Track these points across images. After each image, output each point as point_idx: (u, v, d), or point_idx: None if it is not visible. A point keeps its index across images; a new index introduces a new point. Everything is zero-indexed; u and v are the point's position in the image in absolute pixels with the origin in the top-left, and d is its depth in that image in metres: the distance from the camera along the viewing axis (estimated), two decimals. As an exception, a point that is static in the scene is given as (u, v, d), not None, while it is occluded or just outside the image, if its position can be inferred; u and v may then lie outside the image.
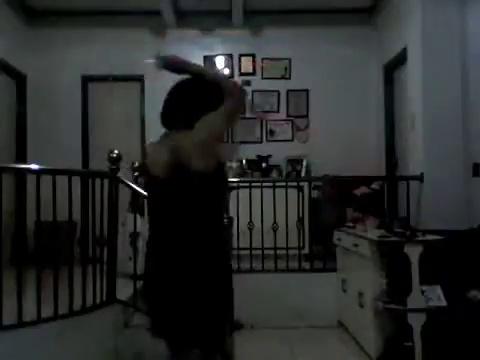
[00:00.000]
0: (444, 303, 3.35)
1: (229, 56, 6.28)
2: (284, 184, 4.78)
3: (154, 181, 2.00)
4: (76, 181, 3.08)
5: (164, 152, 1.97)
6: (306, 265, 4.71)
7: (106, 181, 3.37)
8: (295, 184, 4.92)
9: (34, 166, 2.92)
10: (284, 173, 6.02)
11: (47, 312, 2.81)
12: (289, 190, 4.71)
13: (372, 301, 3.56)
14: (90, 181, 3.19)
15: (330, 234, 4.56)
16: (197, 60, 6.20)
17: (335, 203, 4.66)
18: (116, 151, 3.43)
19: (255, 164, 5.94)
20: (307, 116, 6.26)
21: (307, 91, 6.24)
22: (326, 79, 6.14)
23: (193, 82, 2.09)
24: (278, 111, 6.25)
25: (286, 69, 6.25)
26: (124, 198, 3.87)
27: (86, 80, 6.22)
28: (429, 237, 3.46)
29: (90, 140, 6.22)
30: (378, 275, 3.54)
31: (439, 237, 3.45)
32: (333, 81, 6.13)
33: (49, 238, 2.88)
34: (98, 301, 3.18)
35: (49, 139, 5.98)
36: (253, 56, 6.28)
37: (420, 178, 4.48)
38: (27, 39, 6.01)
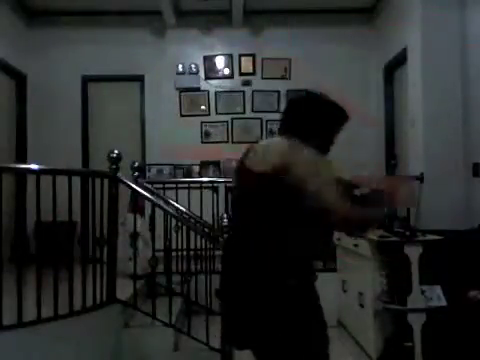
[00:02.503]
0: (444, 303, 3.35)
1: (229, 56, 6.28)
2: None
3: None
4: (76, 181, 3.08)
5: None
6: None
7: (106, 181, 3.37)
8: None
9: (34, 166, 2.91)
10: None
11: (47, 312, 2.81)
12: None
13: (372, 301, 3.56)
14: (90, 181, 3.19)
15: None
16: (197, 60, 6.23)
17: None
18: (116, 151, 3.42)
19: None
20: (307, 116, 6.25)
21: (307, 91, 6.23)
22: (326, 79, 6.13)
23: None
24: (278, 111, 6.25)
25: (286, 69, 6.25)
26: (124, 198, 3.87)
27: (86, 80, 6.22)
28: (429, 237, 3.46)
29: (90, 140, 6.22)
30: (378, 275, 3.54)
31: (439, 237, 3.45)
32: (333, 81, 6.12)
33: (49, 238, 2.88)
34: (98, 301, 3.17)
35: (49, 139, 5.99)
36: (253, 56, 6.28)
37: (420, 178, 4.48)
38: (27, 39, 6.01)
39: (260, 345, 1.83)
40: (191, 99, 6.23)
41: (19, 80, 5.98)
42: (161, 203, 3.87)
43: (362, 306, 3.77)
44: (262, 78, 6.25)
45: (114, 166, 3.40)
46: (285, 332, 1.78)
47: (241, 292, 1.84)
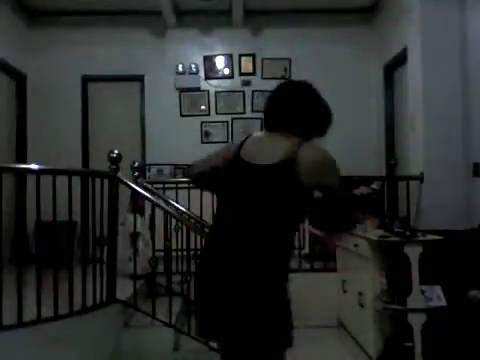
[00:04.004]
0: (444, 303, 3.35)
1: (229, 56, 6.28)
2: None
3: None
4: (76, 181, 3.08)
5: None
6: (306, 265, 4.71)
7: (106, 181, 3.37)
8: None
9: (34, 166, 2.92)
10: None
11: (47, 312, 2.81)
12: (289, 190, 4.70)
13: (372, 301, 3.56)
14: (90, 181, 3.19)
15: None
16: (197, 60, 6.23)
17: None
18: (116, 151, 3.42)
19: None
20: (307, 116, 6.24)
21: (307, 91, 6.23)
22: (326, 79, 6.11)
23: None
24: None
25: (286, 69, 6.24)
26: (124, 198, 3.87)
27: (86, 80, 6.22)
28: (429, 237, 3.45)
29: (90, 140, 6.22)
30: (378, 275, 3.54)
31: (439, 237, 3.45)
32: (333, 81, 6.12)
33: (49, 238, 2.88)
34: (98, 301, 3.18)
35: (49, 139, 5.99)
36: (253, 56, 6.28)
37: (420, 178, 4.48)
38: (27, 39, 6.01)
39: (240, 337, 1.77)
40: (191, 99, 6.23)
41: (19, 80, 5.98)
42: (161, 203, 3.87)
43: (362, 306, 3.77)
44: (262, 78, 6.24)
45: (114, 166, 3.40)
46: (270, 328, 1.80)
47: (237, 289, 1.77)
